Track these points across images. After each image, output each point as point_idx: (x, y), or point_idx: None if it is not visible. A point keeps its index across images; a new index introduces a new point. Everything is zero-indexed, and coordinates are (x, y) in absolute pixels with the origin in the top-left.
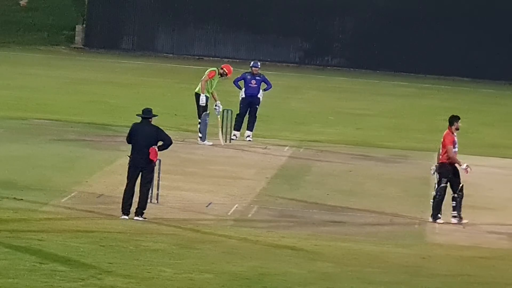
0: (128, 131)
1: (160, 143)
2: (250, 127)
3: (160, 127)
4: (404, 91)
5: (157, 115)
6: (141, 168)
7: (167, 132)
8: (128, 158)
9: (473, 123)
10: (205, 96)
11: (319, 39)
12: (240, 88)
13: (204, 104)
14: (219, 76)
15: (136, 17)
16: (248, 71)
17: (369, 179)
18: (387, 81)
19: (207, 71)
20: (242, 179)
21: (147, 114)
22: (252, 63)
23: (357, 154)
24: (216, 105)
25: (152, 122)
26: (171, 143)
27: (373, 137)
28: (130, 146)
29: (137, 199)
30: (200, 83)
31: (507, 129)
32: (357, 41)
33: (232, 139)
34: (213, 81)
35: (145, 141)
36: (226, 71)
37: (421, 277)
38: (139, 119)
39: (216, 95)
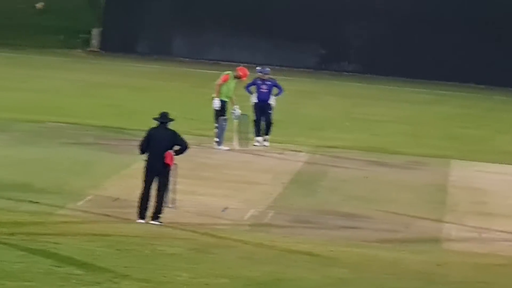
0: (143, 136)
1: (176, 147)
2: (267, 132)
3: (176, 131)
4: (420, 97)
5: (173, 120)
6: (157, 172)
7: (183, 136)
8: (144, 162)
9: (489, 130)
10: (219, 100)
11: (336, 44)
12: (251, 93)
13: (218, 108)
14: (236, 78)
15: (152, 21)
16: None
17: (384, 185)
18: (403, 87)
19: (222, 74)
20: (258, 184)
21: (164, 118)
22: (259, 68)
23: (373, 160)
24: (234, 110)
25: (169, 126)
26: (187, 147)
27: (389, 143)
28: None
29: (153, 203)
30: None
31: None
32: (373, 47)
33: (255, 145)
34: (229, 84)
35: (162, 146)
36: (241, 74)
37: (436, 284)
38: (155, 123)
39: (234, 99)
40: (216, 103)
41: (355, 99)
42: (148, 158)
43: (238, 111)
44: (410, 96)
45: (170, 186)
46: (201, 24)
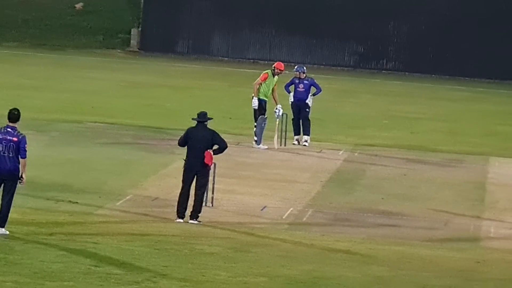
0: (183, 133)
1: (215, 147)
2: (305, 132)
3: (215, 131)
4: (459, 95)
5: (212, 118)
6: (196, 171)
7: (222, 135)
8: (183, 161)
9: None
10: (258, 99)
11: (374, 43)
12: (290, 92)
13: (256, 107)
14: (274, 76)
15: (192, 20)
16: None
17: (423, 183)
18: (441, 85)
19: (261, 74)
20: (296, 183)
21: (202, 118)
22: (296, 67)
23: (412, 158)
24: (276, 108)
25: (208, 126)
26: (226, 147)
27: (428, 141)
28: (185, 149)
29: (192, 203)
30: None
31: None
32: (412, 45)
33: (294, 144)
34: (268, 83)
35: (201, 145)
36: (277, 68)
37: (475, 281)
38: (194, 123)
39: (277, 98)
40: (255, 102)
41: (393, 97)
42: (187, 157)
43: (281, 110)
44: (448, 94)
45: (209, 185)
46: (240, 23)
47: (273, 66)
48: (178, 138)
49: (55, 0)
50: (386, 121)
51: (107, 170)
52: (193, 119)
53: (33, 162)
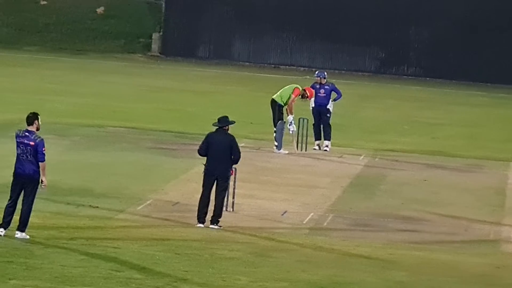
0: (202, 140)
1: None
2: (326, 137)
3: (235, 138)
4: (480, 100)
5: (234, 122)
6: (217, 176)
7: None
8: (204, 166)
9: None
10: (278, 104)
11: (395, 48)
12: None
13: (291, 122)
14: (300, 97)
15: (213, 25)
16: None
17: (444, 188)
18: (462, 90)
19: (291, 87)
20: (317, 188)
21: (222, 123)
22: (316, 73)
23: (432, 163)
24: (287, 122)
25: (229, 131)
26: (239, 158)
27: (448, 146)
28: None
29: (213, 207)
30: (279, 92)
31: None
32: (433, 50)
33: (315, 149)
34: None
35: (221, 150)
36: (308, 94)
37: (496, 286)
38: (214, 128)
39: (292, 110)
40: (290, 119)
41: (414, 102)
42: (208, 163)
43: (291, 124)
44: (469, 99)
45: (230, 190)
46: (262, 28)
47: (305, 89)
48: (200, 142)
49: (77, 4)
50: (406, 127)
51: (127, 175)
52: (214, 124)
53: (54, 166)
